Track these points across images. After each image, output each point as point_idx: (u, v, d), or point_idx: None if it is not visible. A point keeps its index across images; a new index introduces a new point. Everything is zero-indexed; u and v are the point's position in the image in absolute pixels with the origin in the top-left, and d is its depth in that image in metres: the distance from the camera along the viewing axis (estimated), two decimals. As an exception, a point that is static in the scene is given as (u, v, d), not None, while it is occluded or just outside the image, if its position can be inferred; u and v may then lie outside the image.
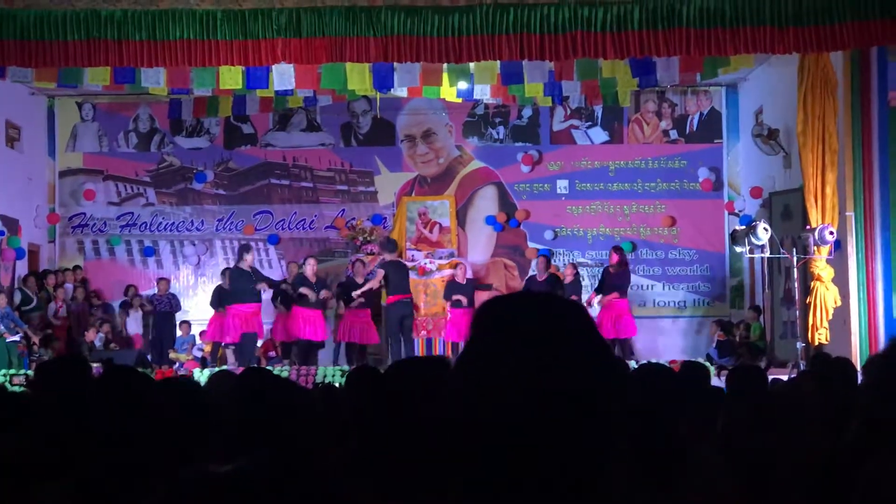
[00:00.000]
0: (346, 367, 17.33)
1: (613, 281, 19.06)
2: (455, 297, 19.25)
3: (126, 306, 21.14)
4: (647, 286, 21.79)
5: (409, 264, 19.68)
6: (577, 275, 19.36)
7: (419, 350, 19.27)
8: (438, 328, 19.64)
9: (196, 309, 21.63)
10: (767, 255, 17.06)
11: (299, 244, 21.57)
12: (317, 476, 1.94)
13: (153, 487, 3.02)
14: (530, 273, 20.45)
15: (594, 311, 18.32)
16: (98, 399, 3.42)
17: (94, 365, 12.31)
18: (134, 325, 20.79)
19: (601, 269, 20.04)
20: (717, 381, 12.82)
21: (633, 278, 21.53)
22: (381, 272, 18.80)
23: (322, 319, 18.93)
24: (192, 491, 1.79)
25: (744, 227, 17.32)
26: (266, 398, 3.32)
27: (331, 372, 16.86)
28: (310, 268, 18.94)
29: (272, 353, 19.85)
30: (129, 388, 3.42)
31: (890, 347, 3.84)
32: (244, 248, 19.05)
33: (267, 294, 19.08)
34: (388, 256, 18.99)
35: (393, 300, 18.73)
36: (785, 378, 12.45)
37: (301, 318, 18.61)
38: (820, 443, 3.95)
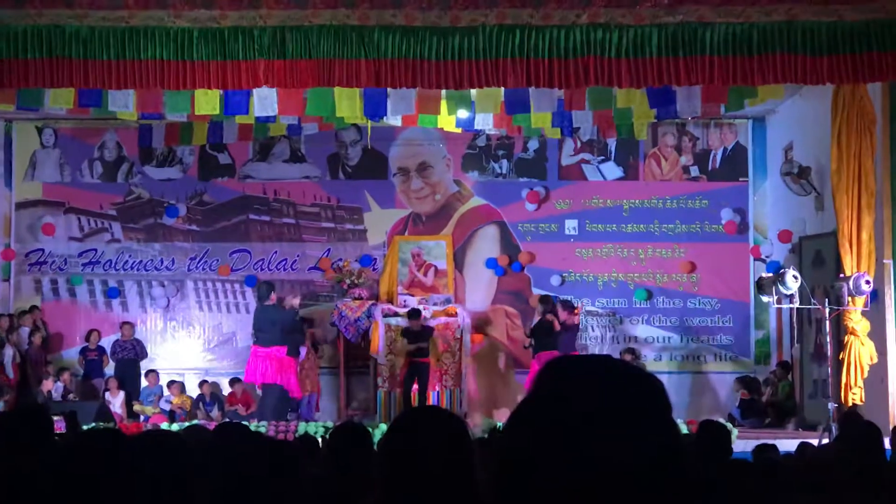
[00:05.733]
0: (328, 423, 17.35)
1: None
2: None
3: (85, 352, 21.08)
4: (664, 338, 21.78)
5: (402, 310, 19.69)
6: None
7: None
8: (453, 379, 19.65)
9: (164, 357, 21.60)
10: (797, 305, 17.07)
11: (280, 287, 21.52)
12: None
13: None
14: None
15: None
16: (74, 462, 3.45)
17: (56, 418, 12.26)
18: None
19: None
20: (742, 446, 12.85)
21: (649, 329, 21.61)
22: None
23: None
24: None
25: (771, 274, 17.35)
26: (243, 456, 3.34)
27: (312, 429, 16.84)
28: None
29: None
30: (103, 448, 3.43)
31: None
32: (269, 286, 19.34)
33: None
34: (412, 324, 19.14)
35: (409, 361, 18.99)
36: (815, 442, 12.47)
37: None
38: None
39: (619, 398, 1.84)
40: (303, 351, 19.81)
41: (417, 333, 19.09)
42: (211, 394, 20.53)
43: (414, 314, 19.22)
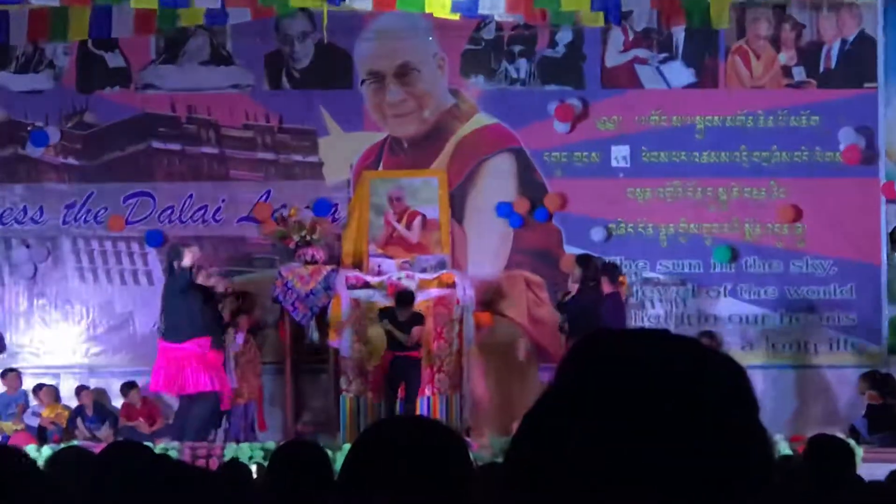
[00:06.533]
0: (269, 445, 17.42)
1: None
2: None
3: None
4: (756, 317, 21.80)
5: (374, 280, 19.69)
6: None
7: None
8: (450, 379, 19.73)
9: (29, 350, 21.59)
10: (949, 268, 17.11)
11: (197, 246, 21.46)
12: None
13: None
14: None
15: None
16: None
17: None
18: None
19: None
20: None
21: (734, 304, 21.61)
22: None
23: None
24: None
25: (911, 223, 17.37)
26: (140, 490, 3.34)
27: (245, 452, 16.91)
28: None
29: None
30: None
31: None
32: (175, 250, 19.24)
33: None
34: (399, 312, 19.09)
35: (391, 356, 18.99)
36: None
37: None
38: None
39: (677, 386, 1.83)
40: (238, 339, 19.79)
41: (402, 326, 18.99)
42: (95, 403, 20.49)
43: (404, 299, 19.03)
